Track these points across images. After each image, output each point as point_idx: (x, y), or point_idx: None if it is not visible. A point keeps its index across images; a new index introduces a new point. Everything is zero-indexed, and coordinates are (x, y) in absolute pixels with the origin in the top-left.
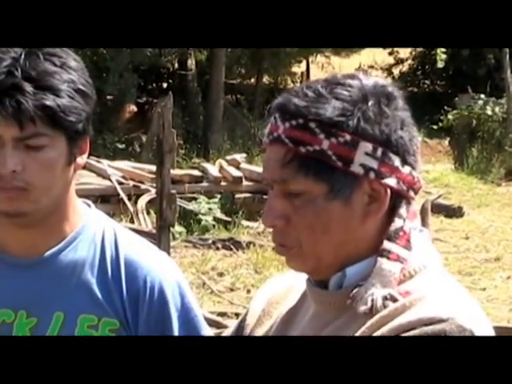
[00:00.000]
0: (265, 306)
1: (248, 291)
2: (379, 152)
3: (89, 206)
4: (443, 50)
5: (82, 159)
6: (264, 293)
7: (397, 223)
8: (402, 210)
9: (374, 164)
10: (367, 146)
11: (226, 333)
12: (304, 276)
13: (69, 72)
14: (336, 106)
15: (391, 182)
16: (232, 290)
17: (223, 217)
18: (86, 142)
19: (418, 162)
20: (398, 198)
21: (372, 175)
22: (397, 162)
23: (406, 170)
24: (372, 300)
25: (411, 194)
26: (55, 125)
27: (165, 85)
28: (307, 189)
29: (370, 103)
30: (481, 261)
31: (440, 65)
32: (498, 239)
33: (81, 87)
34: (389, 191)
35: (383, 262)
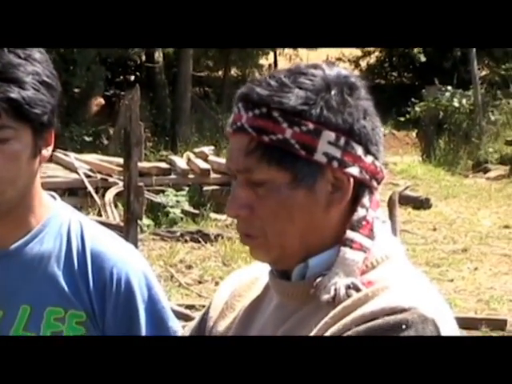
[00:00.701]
0: (228, 299)
1: (216, 283)
2: (342, 141)
3: (54, 198)
4: None
5: (47, 151)
6: (227, 286)
7: (360, 212)
8: (365, 200)
9: (337, 153)
10: (330, 135)
11: (189, 327)
12: (267, 268)
13: (33, 64)
14: (299, 94)
15: (354, 170)
16: (200, 282)
17: (191, 209)
18: (51, 135)
19: (380, 152)
20: (361, 188)
21: (335, 164)
22: (359, 151)
23: (369, 159)
24: (335, 289)
25: (374, 183)
26: (20, 117)
27: (132, 77)
28: (271, 177)
29: (332, 92)
30: (448, 252)
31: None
32: (465, 230)
33: (46, 79)
34: (352, 180)
35: (346, 252)
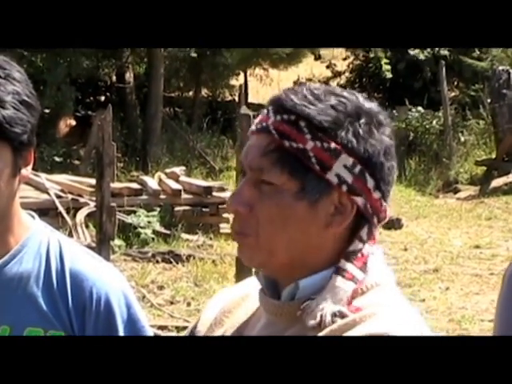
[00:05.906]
0: (217, 315)
1: (188, 304)
2: (357, 168)
3: (33, 217)
4: (386, 60)
5: (26, 171)
6: (217, 301)
7: (356, 244)
8: (363, 233)
9: (349, 178)
10: (348, 160)
11: None
12: (258, 286)
13: (13, 83)
14: (330, 113)
15: (360, 200)
16: (172, 303)
17: (162, 230)
18: (30, 154)
19: (389, 193)
20: (362, 220)
21: (344, 188)
22: (370, 183)
23: (377, 195)
24: (321, 315)
25: (375, 220)
26: (0, 136)
27: (103, 98)
28: (279, 182)
29: (362, 121)
30: (420, 272)
31: (389, 75)
32: (436, 250)
33: (26, 98)
34: (355, 208)
35: (338, 280)
